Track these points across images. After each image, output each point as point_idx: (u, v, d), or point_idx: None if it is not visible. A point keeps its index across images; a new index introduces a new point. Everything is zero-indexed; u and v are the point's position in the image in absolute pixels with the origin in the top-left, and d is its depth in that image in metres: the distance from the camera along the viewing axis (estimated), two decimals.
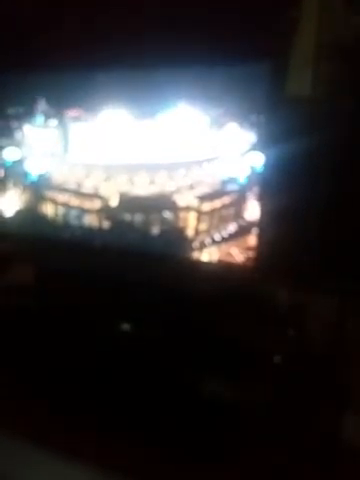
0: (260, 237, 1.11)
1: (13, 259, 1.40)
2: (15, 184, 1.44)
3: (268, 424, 0.98)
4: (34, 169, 1.41)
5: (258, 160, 1.12)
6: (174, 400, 1.06)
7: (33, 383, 1.18)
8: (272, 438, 0.96)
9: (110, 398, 1.09)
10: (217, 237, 1.16)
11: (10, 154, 1.44)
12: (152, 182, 1.24)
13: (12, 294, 1.36)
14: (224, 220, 1.16)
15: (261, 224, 1.11)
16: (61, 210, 1.37)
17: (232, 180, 1.15)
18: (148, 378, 1.09)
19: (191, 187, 1.20)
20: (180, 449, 0.97)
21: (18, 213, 1.44)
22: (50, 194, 1.39)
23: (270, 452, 0.94)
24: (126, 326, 1.19)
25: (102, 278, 1.23)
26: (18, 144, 1.43)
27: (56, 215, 1.38)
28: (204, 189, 1.18)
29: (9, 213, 1.45)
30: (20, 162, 1.43)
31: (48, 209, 1.39)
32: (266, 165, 1.11)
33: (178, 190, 1.21)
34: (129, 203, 1.27)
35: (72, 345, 1.19)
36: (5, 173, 1.46)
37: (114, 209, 1.29)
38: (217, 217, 1.17)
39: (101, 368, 1.14)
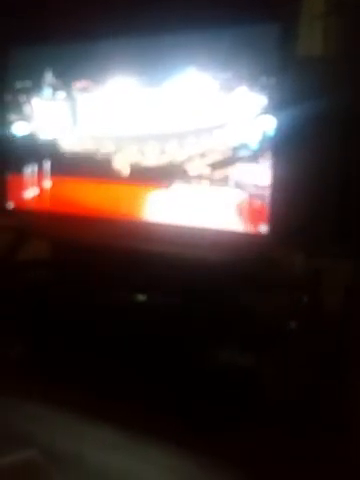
0: (273, 204, 1.09)
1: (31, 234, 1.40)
2: (27, 158, 1.44)
3: (284, 391, 0.98)
4: (44, 142, 1.40)
5: (270, 124, 1.09)
6: (190, 369, 1.07)
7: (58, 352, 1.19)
8: (287, 406, 0.97)
9: (126, 367, 1.10)
10: (230, 204, 1.15)
11: (19, 128, 1.43)
12: (163, 152, 1.23)
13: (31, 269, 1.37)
14: (237, 187, 1.14)
15: (274, 190, 1.09)
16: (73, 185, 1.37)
17: (244, 146, 1.13)
18: (163, 348, 1.10)
19: (202, 155, 1.18)
20: (193, 418, 0.98)
21: (31, 188, 1.44)
22: (62, 168, 1.38)
23: (287, 421, 0.94)
24: (142, 296, 1.20)
25: (118, 249, 1.23)
26: (27, 118, 1.42)
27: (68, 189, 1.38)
28: (216, 156, 1.16)
29: (23, 188, 1.45)
30: (30, 136, 1.42)
31: (60, 183, 1.39)
32: (278, 129, 1.08)
33: (189, 159, 1.19)
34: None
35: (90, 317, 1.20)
36: (16, 147, 1.45)
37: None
38: (230, 184, 1.15)
39: (116, 338, 1.15)
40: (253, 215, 1.12)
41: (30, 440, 0.89)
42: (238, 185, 1.13)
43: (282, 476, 0.83)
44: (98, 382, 1.09)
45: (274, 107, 1.08)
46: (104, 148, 1.31)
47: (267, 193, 1.10)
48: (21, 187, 1.45)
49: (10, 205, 1.47)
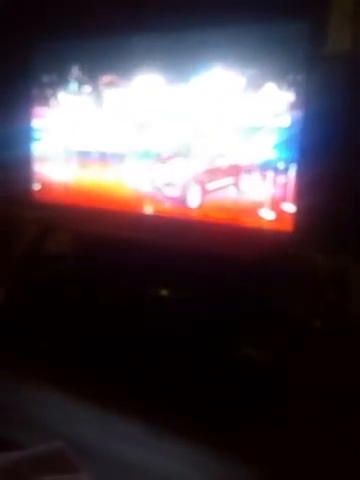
0: (300, 202, 1.09)
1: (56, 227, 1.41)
2: (53, 152, 1.45)
3: (306, 389, 0.98)
4: (70, 136, 1.41)
5: (297, 121, 1.09)
6: (210, 365, 1.08)
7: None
8: (308, 404, 0.96)
9: (153, 362, 1.11)
10: (255, 202, 1.15)
11: (46, 122, 1.45)
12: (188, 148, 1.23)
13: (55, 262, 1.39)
14: (262, 184, 1.14)
15: (301, 188, 1.09)
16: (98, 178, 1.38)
17: (271, 142, 1.12)
18: (184, 344, 1.11)
19: (228, 152, 1.18)
20: (218, 416, 0.98)
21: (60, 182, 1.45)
22: (88, 161, 1.39)
23: (307, 418, 0.94)
24: (166, 292, 1.21)
25: (138, 242, 1.24)
26: (53, 111, 1.43)
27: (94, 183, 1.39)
28: (241, 153, 1.16)
29: (49, 181, 1.46)
30: (56, 130, 1.43)
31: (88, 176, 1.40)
32: (305, 126, 1.08)
33: (214, 157, 1.19)
34: None
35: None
36: (42, 141, 1.46)
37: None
38: (255, 181, 1.15)
39: (142, 333, 1.16)
40: (279, 213, 1.12)
41: (57, 432, 0.90)
42: (264, 183, 1.13)
43: (306, 475, 0.82)
44: (125, 377, 1.09)
45: (301, 104, 1.08)
46: (128, 143, 1.31)
47: (294, 192, 1.10)
48: (46, 180, 1.47)
49: (36, 198, 1.49)
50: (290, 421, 0.94)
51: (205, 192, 1.22)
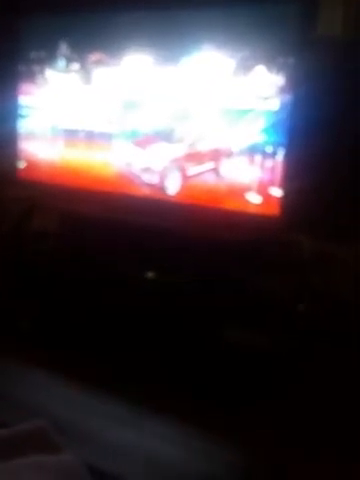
0: (287, 185, 1.09)
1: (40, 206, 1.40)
2: (39, 130, 1.43)
3: (292, 373, 0.99)
4: (57, 114, 1.39)
5: (286, 105, 1.08)
6: (198, 348, 1.08)
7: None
8: (295, 388, 0.97)
9: (141, 344, 1.12)
10: (242, 185, 1.14)
11: (33, 100, 1.42)
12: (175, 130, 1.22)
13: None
14: (250, 167, 1.13)
15: (288, 172, 1.09)
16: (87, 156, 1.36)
17: (259, 126, 1.11)
18: (173, 325, 1.11)
19: (213, 135, 1.17)
20: (206, 397, 0.99)
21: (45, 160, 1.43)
22: (75, 140, 1.37)
23: (294, 402, 0.95)
24: (152, 274, 1.21)
25: (128, 225, 1.23)
26: (41, 89, 1.40)
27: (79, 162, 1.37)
28: (230, 135, 1.15)
29: (34, 159, 1.45)
30: (42, 107, 1.41)
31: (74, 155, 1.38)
32: (294, 110, 1.07)
33: (202, 139, 1.18)
34: None
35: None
36: (28, 118, 1.44)
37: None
38: (240, 165, 1.14)
39: (130, 315, 1.16)
40: (266, 197, 1.12)
41: (40, 411, 0.91)
42: (251, 166, 1.13)
43: (299, 458, 0.83)
44: (112, 358, 1.10)
45: (291, 87, 1.07)
46: (116, 122, 1.30)
47: (281, 175, 1.09)
48: (32, 158, 1.45)
49: (21, 176, 1.47)
50: (275, 403, 0.95)
51: (185, 177, 1.21)
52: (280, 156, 1.09)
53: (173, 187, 1.23)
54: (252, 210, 1.13)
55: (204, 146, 1.19)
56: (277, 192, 1.10)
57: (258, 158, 1.12)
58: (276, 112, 1.09)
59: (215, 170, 1.17)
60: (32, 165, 1.45)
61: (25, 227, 1.38)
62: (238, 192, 1.15)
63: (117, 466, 0.81)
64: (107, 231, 1.26)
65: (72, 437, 0.78)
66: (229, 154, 1.15)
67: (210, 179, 1.18)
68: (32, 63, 1.40)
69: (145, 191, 1.27)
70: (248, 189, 1.14)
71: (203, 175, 1.19)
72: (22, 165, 1.46)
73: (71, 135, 1.38)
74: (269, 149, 1.11)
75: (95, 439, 0.88)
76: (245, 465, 0.84)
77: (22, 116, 1.44)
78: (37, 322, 1.23)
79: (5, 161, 1.45)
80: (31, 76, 1.41)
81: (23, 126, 1.45)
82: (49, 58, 1.37)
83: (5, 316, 1.22)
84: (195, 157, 1.20)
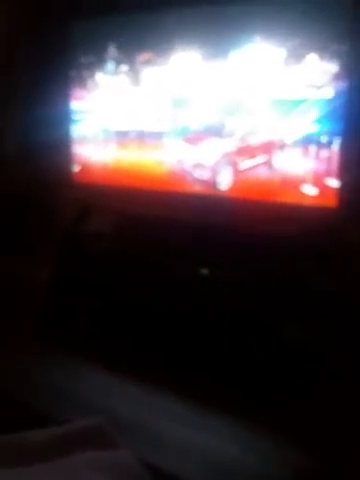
0: (344, 176, 1.05)
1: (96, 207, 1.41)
2: (92, 133, 1.45)
3: (352, 370, 0.96)
4: (108, 116, 1.40)
5: (340, 93, 1.04)
6: (254, 346, 1.06)
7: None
8: (351, 384, 0.94)
9: (189, 340, 1.11)
10: (297, 177, 1.11)
11: (85, 104, 1.44)
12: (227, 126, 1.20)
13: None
14: (304, 159, 1.10)
15: (345, 162, 1.05)
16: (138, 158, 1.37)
17: (313, 115, 1.08)
18: (226, 322, 1.10)
19: (267, 128, 1.14)
20: (253, 392, 0.98)
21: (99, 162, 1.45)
22: (126, 141, 1.38)
23: (348, 398, 0.92)
24: (205, 270, 1.19)
25: (179, 221, 1.23)
26: (92, 93, 1.42)
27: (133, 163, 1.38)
28: (283, 127, 1.13)
29: (91, 163, 1.46)
30: (94, 111, 1.43)
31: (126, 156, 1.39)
32: (349, 98, 1.03)
33: (255, 132, 1.16)
34: None
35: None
36: (80, 123, 1.46)
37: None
38: (295, 157, 1.11)
39: (179, 312, 1.16)
40: (322, 189, 1.08)
41: (99, 409, 0.92)
42: (305, 158, 1.10)
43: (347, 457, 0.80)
44: (168, 356, 1.10)
45: (345, 76, 1.03)
46: (166, 120, 1.29)
47: (338, 166, 1.06)
48: (85, 161, 1.47)
49: (75, 179, 1.49)
50: (328, 399, 0.92)
51: (237, 172, 1.19)
52: (336, 146, 1.06)
53: (225, 182, 1.21)
54: (308, 203, 1.10)
55: (256, 139, 1.16)
56: (334, 183, 1.07)
57: (313, 149, 1.09)
58: (330, 101, 1.06)
59: (268, 163, 1.15)
60: (86, 168, 1.47)
61: (81, 228, 1.40)
62: (293, 185, 1.12)
63: (174, 464, 0.81)
64: (161, 229, 1.26)
65: (130, 435, 0.78)
66: (282, 146, 1.13)
67: (263, 172, 1.16)
68: (82, 68, 1.42)
69: (198, 188, 1.26)
70: (303, 181, 1.11)
71: (256, 169, 1.17)
72: (76, 168, 1.49)
73: (123, 136, 1.39)
74: (324, 139, 1.07)
75: (153, 437, 0.88)
76: (301, 464, 0.82)
77: (75, 120, 1.47)
78: (95, 321, 1.24)
79: (60, 165, 1.48)
80: (82, 80, 1.42)
81: (76, 130, 1.47)
82: (98, 61, 1.38)
83: (64, 315, 1.24)
84: (247, 151, 1.18)
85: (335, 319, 1.00)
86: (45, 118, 1.45)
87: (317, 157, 1.08)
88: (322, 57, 1.05)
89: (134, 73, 1.34)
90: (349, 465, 0.79)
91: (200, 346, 1.09)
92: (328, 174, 1.07)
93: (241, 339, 1.07)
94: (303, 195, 1.11)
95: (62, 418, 0.72)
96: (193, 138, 1.26)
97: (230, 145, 1.20)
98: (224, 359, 1.06)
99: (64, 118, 1.47)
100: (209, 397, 0.97)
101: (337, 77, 1.05)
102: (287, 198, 1.13)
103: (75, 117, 1.46)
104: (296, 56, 1.08)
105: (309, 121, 1.09)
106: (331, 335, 0.99)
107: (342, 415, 0.89)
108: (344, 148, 1.05)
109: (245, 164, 1.18)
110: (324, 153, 1.08)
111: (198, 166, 1.25)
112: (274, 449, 0.85)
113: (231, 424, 0.91)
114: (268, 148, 1.15)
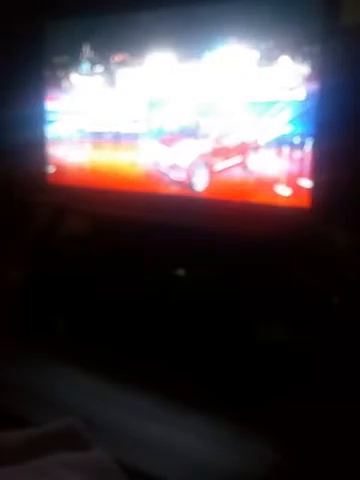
0: (317, 176, 1.07)
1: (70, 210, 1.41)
2: (66, 135, 1.44)
3: (326, 368, 0.97)
4: (83, 117, 1.40)
5: (312, 94, 1.06)
6: (229, 345, 1.07)
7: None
8: (327, 382, 0.95)
9: (168, 339, 1.12)
10: (271, 178, 1.12)
11: (59, 104, 1.43)
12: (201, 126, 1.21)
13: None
14: (278, 159, 1.11)
15: (317, 162, 1.06)
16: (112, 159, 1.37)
17: (286, 117, 1.09)
18: (204, 322, 1.10)
19: (240, 129, 1.15)
20: (233, 390, 0.99)
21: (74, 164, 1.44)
22: (102, 142, 1.38)
23: (326, 396, 0.93)
24: (180, 271, 1.20)
25: (153, 222, 1.23)
26: (66, 93, 1.41)
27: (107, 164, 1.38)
28: (256, 128, 1.14)
29: (66, 165, 1.46)
30: (69, 112, 1.42)
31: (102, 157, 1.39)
32: (321, 99, 1.05)
33: (230, 133, 1.17)
34: None
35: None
36: (54, 123, 1.45)
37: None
38: (269, 158, 1.12)
39: (157, 312, 1.17)
40: (295, 189, 1.09)
41: (71, 409, 0.92)
42: (279, 158, 1.11)
43: (322, 450, 0.81)
44: (145, 356, 1.10)
45: (317, 77, 1.05)
46: (142, 121, 1.30)
47: (310, 167, 1.07)
48: (60, 163, 1.46)
49: (50, 182, 1.48)
50: (307, 397, 0.93)
51: (213, 173, 1.20)
52: (308, 146, 1.07)
53: (201, 183, 1.22)
54: (282, 203, 1.11)
55: (230, 141, 1.17)
56: (307, 183, 1.08)
57: (286, 150, 1.10)
58: (303, 102, 1.07)
59: (242, 164, 1.16)
60: (61, 169, 1.46)
61: (55, 231, 1.39)
62: (267, 185, 1.13)
63: (149, 463, 0.81)
64: (137, 230, 1.26)
65: (104, 435, 0.78)
66: (256, 147, 1.14)
67: (238, 173, 1.17)
68: (57, 68, 1.41)
69: (173, 189, 1.27)
70: (277, 182, 1.12)
71: (231, 170, 1.18)
72: (51, 170, 1.48)
73: (98, 137, 1.39)
74: (297, 140, 1.09)
75: (127, 436, 0.88)
76: (281, 462, 0.82)
77: (49, 121, 1.46)
78: (71, 321, 1.24)
79: (34, 167, 1.47)
80: (56, 81, 1.42)
81: (50, 131, 1.46)
82: (73, 62, 1.38)
83: (40, 316, 1.24)
84: (222, 152, 1.18)
85: (307, 317, 1.01)
86: (19, 119, 1.43)
87: (290, 158, 1.10)
88: (294, 59, 1.07)
89: (109, 74, 1.34)
90: (327, 462, 0.80)
91: (176, 346, 1.09)
92: (301, 175, 1.09)
93: (217, 338, 1.08)
94: (277, 195, 1.12)
95: (37, 419, 0.72)
96: (168, 139, 1.26)
97: (205, 146, 1.20)
98: (201, 358, 1.07)
99: (38, 119, 1.46)
100: (187, 396, 0.98)
101: (309, 79, 1.06)
102: (261, 198, 1.14)
103: (49, 118, 1.45)
104: (269, 58, 1.10)
105: (282, 122, 1.10)
106: (305, 333, 1.01)
107: (321, 413, 0.90)
108: (316, 149, 1.07)
109: (220, 165, 1.19)
110: (297, 154, 1.09)
111: (174, 167, 1.26)
112: (253, 447, 0.86)
113: (209, 423, 0.92)
114: (242, 149, 1.16)
